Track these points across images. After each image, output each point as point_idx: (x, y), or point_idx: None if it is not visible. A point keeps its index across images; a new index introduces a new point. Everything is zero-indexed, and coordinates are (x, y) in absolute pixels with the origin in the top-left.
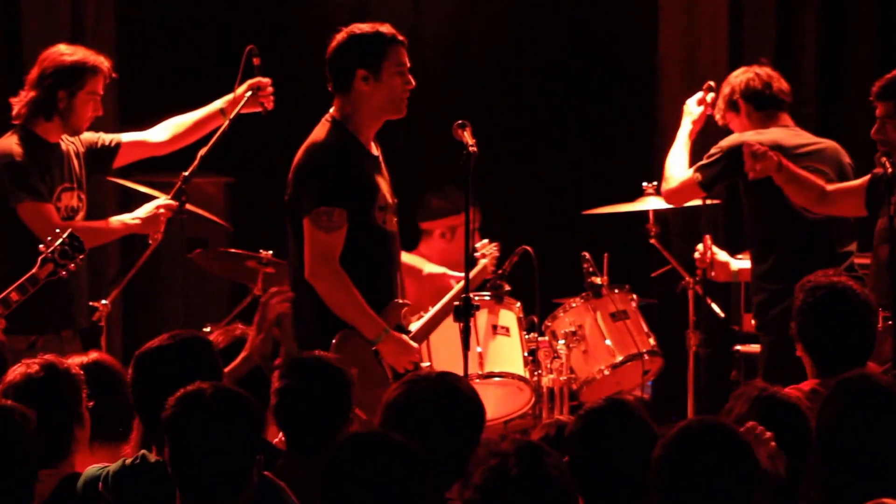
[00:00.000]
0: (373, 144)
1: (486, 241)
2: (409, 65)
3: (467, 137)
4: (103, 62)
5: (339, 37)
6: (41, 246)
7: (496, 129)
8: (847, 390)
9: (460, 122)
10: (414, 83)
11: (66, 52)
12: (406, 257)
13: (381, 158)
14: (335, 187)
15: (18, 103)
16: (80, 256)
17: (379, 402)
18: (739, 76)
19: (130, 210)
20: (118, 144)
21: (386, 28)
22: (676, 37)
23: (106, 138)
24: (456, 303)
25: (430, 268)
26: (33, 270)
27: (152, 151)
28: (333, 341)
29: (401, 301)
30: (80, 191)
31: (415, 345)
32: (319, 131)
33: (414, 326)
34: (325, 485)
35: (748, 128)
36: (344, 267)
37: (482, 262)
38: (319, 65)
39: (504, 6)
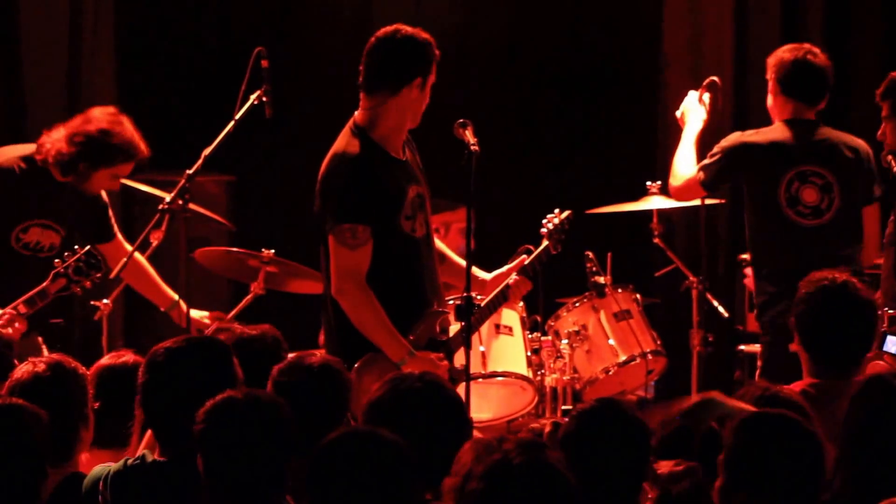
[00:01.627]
0: (402, 148)
1: (556, 210)
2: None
3: (469, 136)
4: (142, 149)
5: (397, 36)
6: (56, 261)
7: (499, 127)
8: (875, 387)
9: (461, 120)
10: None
11: (111, 125)
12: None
13: (412, 160)
14: (358, 203)
15: (49, 139)
16: (97, 274)
17: None
18: (782, 52)
19: (133, 211)
20: (111, 237)
21: (427, 35)
22: (681, 36)
23: (108, 225)
24: (458, 302)
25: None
26: (44, 284)
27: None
28: (356, 365)
29: (437, 309)
30: (62, 232)
31: (442, 363)
32: (342, 141)
33: (454, 329)
34: (311, 479)
35: (773, 108)
36: (374, 279)
37: (544, 242)
38: (321, 65)
39: (507, 5)
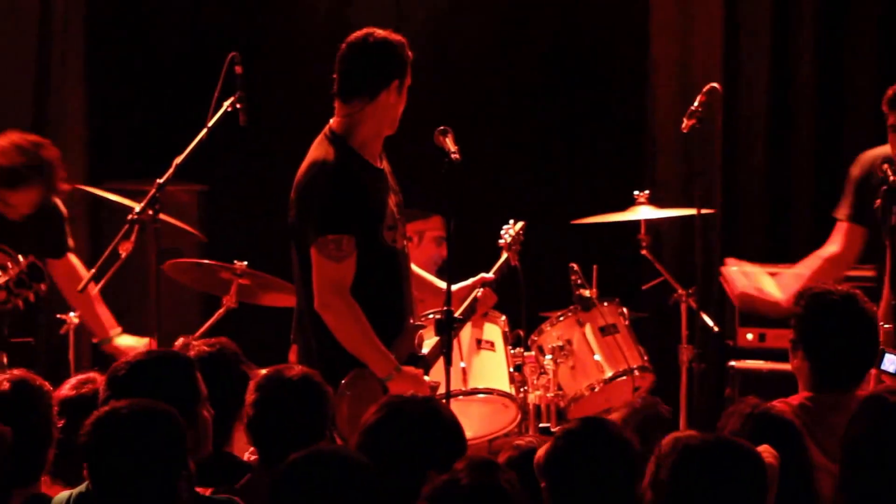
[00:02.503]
0: (378, 157)
1: (510, 221)
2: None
3: (449, 144)
4: (48, 162)
5: (369, 40)
6: None
7: (482, 136)
8: (876, 405)
9: (442, 128)
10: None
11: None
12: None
13: (387, 170)
14: (341, 213)
15: None
16: (41, 286)
17: None
18: None
19: (100, 220)
20: (64, 252)
21: (397, 36)
22: (669, 43)
23: (63, 239)
24: (438, 316)
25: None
26: None
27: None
28: (343, 381)
29: (415, 324)
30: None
31: (427, 379)
32: (319, 150)
33: (429, 343)
34: (273, 498)
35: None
36: (355, 291)
37: (503, 255)
38: (297, 70)
39: (490, 8)
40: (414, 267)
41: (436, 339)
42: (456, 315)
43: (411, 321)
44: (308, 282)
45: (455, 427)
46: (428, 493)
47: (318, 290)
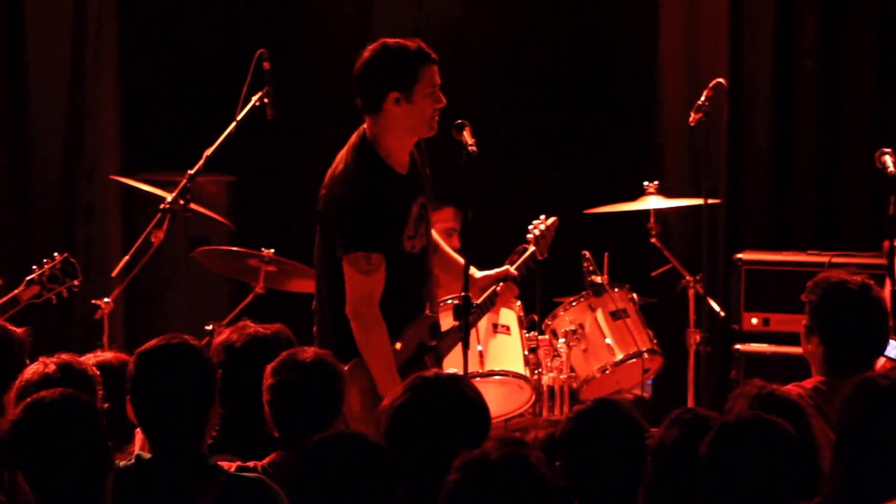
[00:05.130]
0: (408, 158)
1: (542, 216)
2: (440, 82)
3: (466, 137)
4: None
5: (369, 54)
6: (34, 266)
7: (497, 128)
8: (868, 388)
9: (459, 121)
10: (444, 101)
11: None
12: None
13: (420, 170)
14: (372, 232)
15: None
16: (73, 283)
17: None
18: None
19: (133, 210)
20: None
21: (417, 45)
22: (677, 36)
23: None
24: (456, 302)
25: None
26: (16, 291)
27: None
28: (346, 368)
29: (427, 314)
30: None
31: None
32: (353, 157)
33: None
34: (295, 483)
35: None
36: None
37: (530, 248)
38: (322, 65)
39: (505, 7)
40: (448, 250)
41: (448, 327)
42: (476, 303)
43: (428, 311)
44: (329, 270)
45: (481, 405)
46: (458, 466)
47: (349, 300)
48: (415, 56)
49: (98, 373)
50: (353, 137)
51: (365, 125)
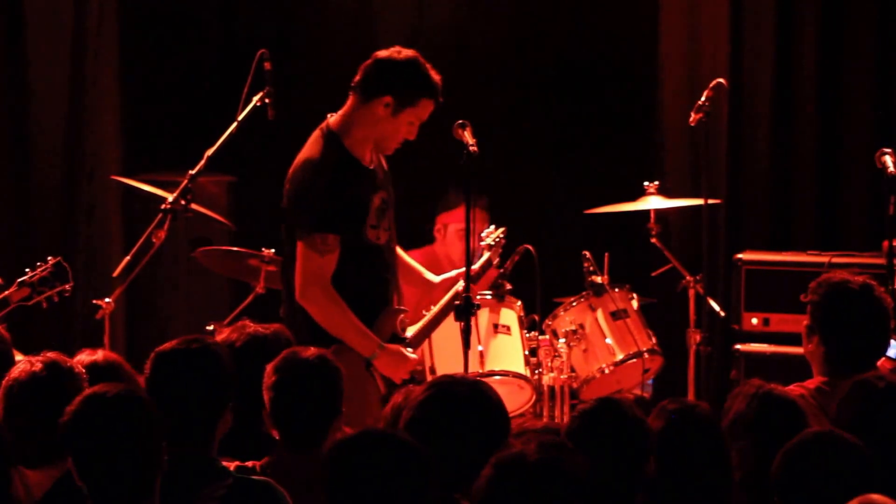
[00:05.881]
0: (371, 156)
1: (491, 227)
2: (425, 119)
3: (468, 137)
4: None
5: (400, 55)
6: (27, 269)
7: (498, 128)
8: (863, 390)
9: (461, 121)
10: (414, 137)
11: None
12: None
13: (379, 167)
14: (329, 213)
15: None
16: (65, 287)
17: (369, 417)
18: None
19: (134, 210)
20: None
21: (438, 80)
22: (677, 37)
23: None
24: (457, 302)
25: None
26: (7, 292)
27: None
28: None
29: (396, 307)
30: None
31: (411, 355)
32: (314, 147)
33: (411, 330)
34: (331, 482)
35: None
36: (339, 283)
37: (486, 254)
38: (322, 66)
39: (506, 7)
40: (407, 258)
41: (421, 322)
42: (433, 311)
43: (394, 307)
44: (293, 271)
45: (500, 407)
46: (494, 461)
47: (299, 282)
48: (426, 85)
49: (84, 372)
50: (315, 133)
51: (334, 118)
